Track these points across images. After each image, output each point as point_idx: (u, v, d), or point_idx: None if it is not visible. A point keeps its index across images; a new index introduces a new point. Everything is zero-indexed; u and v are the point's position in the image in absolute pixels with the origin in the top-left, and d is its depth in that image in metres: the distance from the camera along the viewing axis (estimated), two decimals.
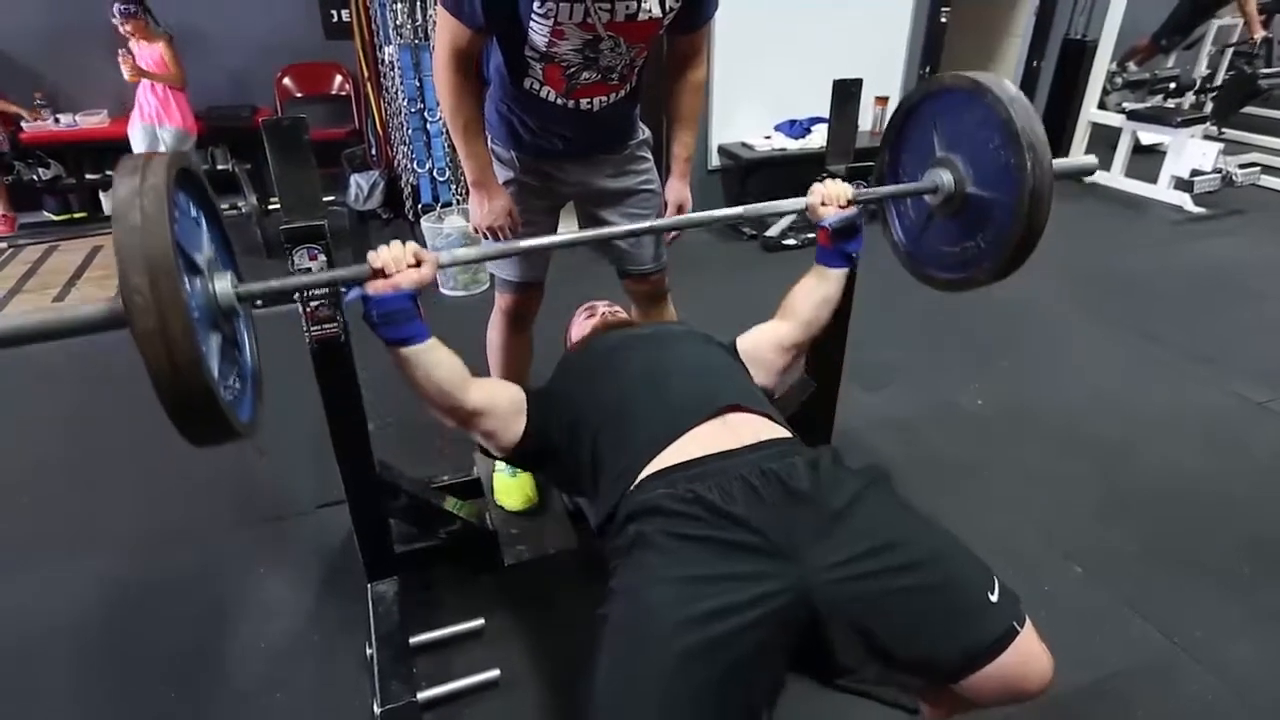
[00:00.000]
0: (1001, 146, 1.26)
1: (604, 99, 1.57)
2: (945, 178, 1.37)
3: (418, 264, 1.12)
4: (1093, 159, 1.42)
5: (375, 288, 1.10)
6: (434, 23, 3.12)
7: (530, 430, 1.28)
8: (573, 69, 1.48)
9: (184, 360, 0.81)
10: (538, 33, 1.40)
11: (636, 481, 1.12)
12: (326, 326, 1.30)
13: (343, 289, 1.13)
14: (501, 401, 1.27)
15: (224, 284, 1.00)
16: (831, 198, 1.37)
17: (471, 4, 1.36)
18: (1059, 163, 1.28)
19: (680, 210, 1.81)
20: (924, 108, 1.44)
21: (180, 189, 0.97)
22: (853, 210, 1.38)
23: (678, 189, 1.79)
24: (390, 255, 1.11)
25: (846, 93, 1.59)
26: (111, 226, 0.81)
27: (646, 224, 1.48)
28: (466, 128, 1.54)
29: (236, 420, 0.92)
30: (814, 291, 1.44)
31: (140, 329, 0.80)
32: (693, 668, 0.92)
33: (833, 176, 1.58)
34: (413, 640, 1.55)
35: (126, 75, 3.81)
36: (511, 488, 1.82)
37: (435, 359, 1.16)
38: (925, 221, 1.48)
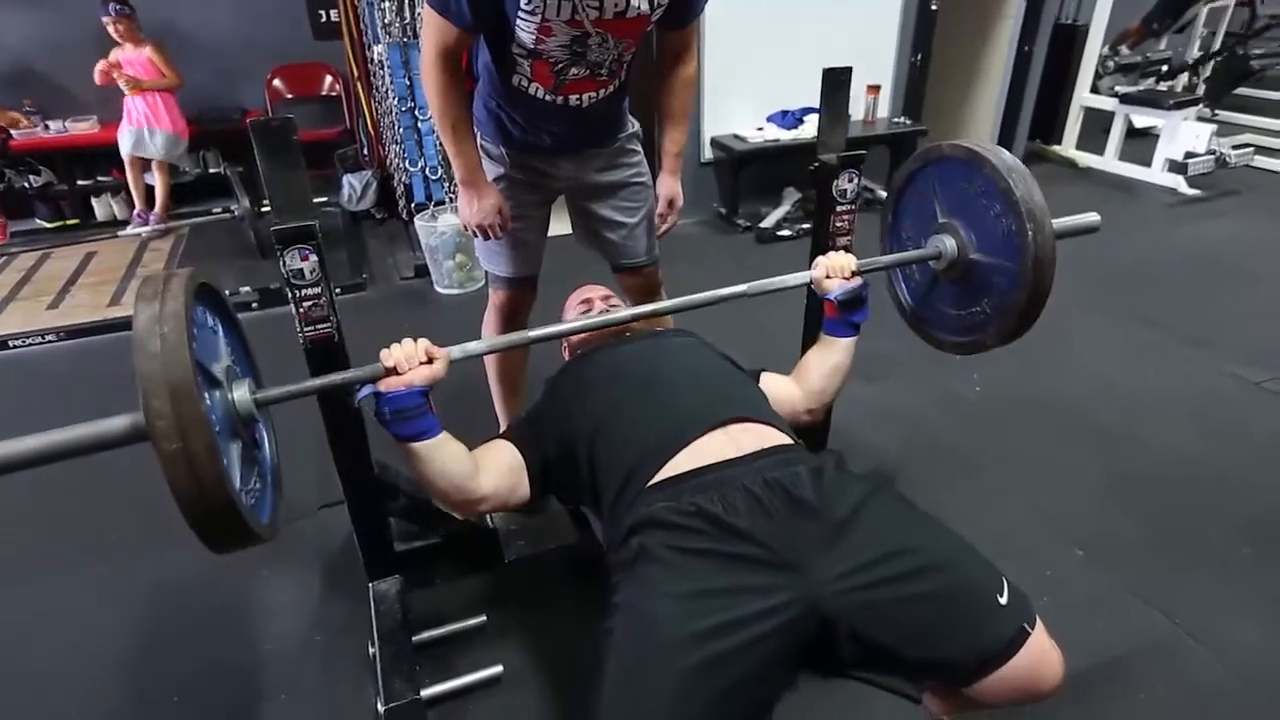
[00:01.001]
0: (1002, 215, 1.28)
1: (593, 95, 1.56)
2: (948, 244, 1.38)
3: (429, 360, 1.12)
4: (1094, 217, 1.42)
5: (388, 385, 1.11)
6: (422, 21, 3.12)
7: (533, 479, 1.29)
8: (561, 65, 1.47)
9: (207, 479, 0.84)
10: (525, 30, 1.39)
11: (639, 493, 1.12)
12: (320, 327, 1.29)
13: (356, 387, 1.13)
14: (504, 477, 1.26)
15: (242, 393, 1.02)
16: (836, 270, 1.38)
17: (459, 2, 1.35)
18: (1059, 223, 1.31)
19: (671, 205, 1.80)
20: (924, 174, 1.47)
21: (200, 303, 0.99)
22: (857, 282, 1.38)
23: (669, 185, 1.79)
24: (402, 353, 1.12)
25: (836, 81, 1.59)
26: (132, 352, 0.83)
27: (659, 305, 1.41)
28: (455, 127, 1.53)
29: (258, 525, 0.94)
30: (824, 362, 1.44)
31: (164, 451, 0.82)
32: (700, 684, 0.91)
33: (826, 171, 1.58)
34: (415, 638, 1.54)
35: (125, 89, 3.80)
36: None
37: (446, 454, 1.16)
38: (931, 284, 1.50)
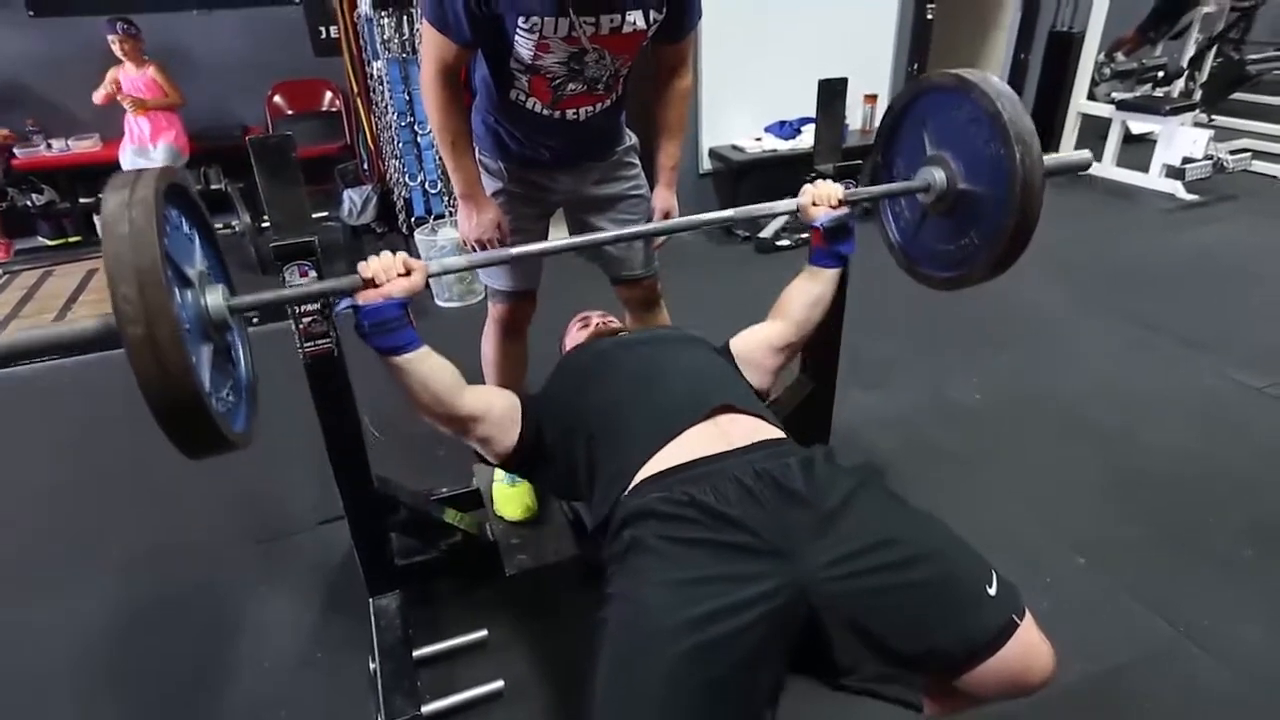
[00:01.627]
0: (990, 140, 1.27)
1: (590, 109, 1.57)
2: (937, 175, 1.37)
3: (407, 273, 1.13)
4: (1086, 154, 1.41)
5: (366, 297, 1.12)
6: (420, 36, 3.14)
7: (525, 436, 1.29)
8: (558, 80, 1.48)
9: (173, 367, 0.82)
10: (523, 46, 1.40)
11: (630, 486, 1.12)
12: (320, 342, 1.30)
13: (334, 300, 1.14)
14: (496, 407, 1.27)
15: (215, 297, 1.02)
16: (822, 198, 1.38)
17: (457, 19, 1.36)
18: (1052, 159, 1.29)
19: (666, 217, 1.81)
20: (913, 108, 1.45)
21: (172, 204, 0.99)
22: (844, 210, 1.39)
23: (664, 197, 1.80)
24: (380, 265, 1.12)
25: (832, 92, 1.60)
26: (101, 238, 0.83)
27: (634, 229, 1.48)
28: (454, 142, 1.55)
29: (230, 430, 0.93)
30: (807, 292, 1.45)
31: (129, 337, 0.81)
32: (692, 670, 0.92)
33: (822, 177, 1.59)
34: (416, 653, 1.54)
35: (130, 110, 3.83)
36: (511, 498, 1.82)
37: (428, 367, 1.17)
38: (920, 220, 1.49)
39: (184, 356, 0.83)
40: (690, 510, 1.03)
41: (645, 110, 1.76)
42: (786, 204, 1.41)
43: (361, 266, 1.12)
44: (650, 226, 1.53)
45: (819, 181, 1.42)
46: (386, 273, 1.12)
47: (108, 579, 1.88)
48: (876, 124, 4.81)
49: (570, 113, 1.56)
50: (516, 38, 1.39)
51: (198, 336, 0.97)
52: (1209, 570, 1.78)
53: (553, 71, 1.46)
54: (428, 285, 3.38)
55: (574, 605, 1.70)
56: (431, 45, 1.44)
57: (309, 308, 1.26)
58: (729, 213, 1.38)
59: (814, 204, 1.39)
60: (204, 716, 1.54)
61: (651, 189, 1.81)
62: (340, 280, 1.14)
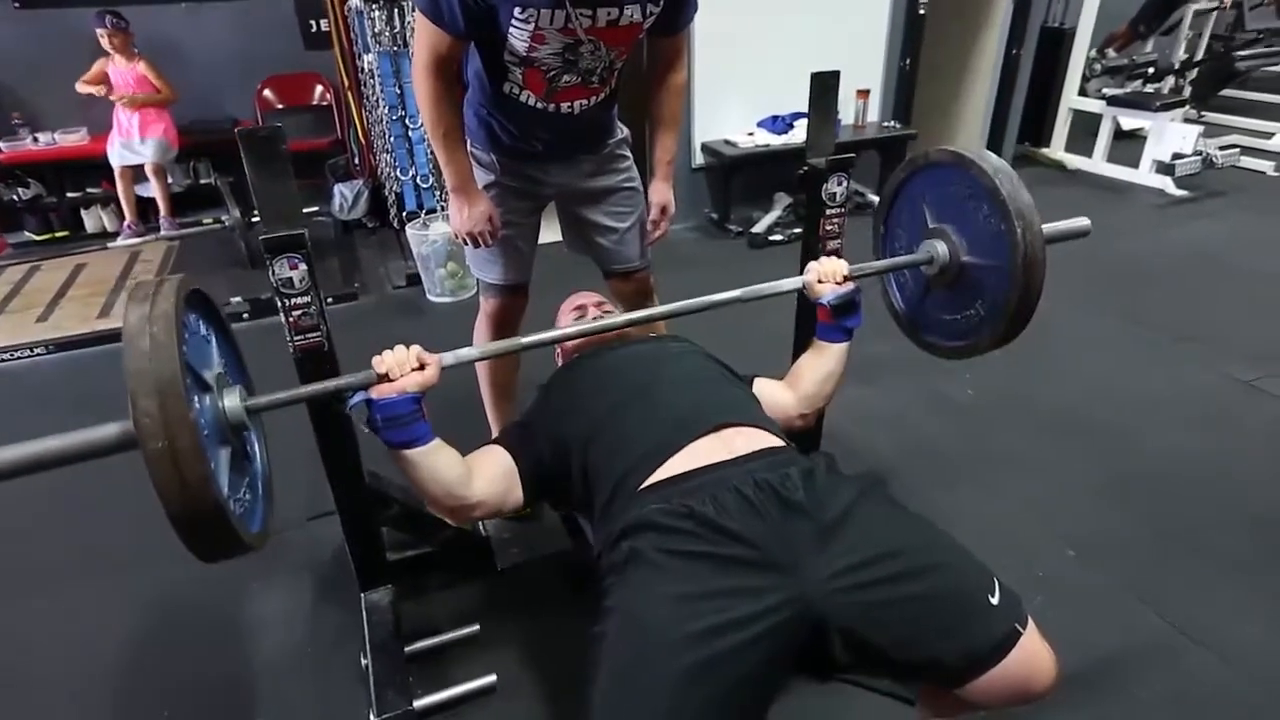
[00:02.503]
0: (991, 216, 1.29)
1: (584, 102, 1.56)
2: (940, 248, 1.39)
3: (421, 367, 1.12)
4: (1085, 221, 1.43)
5: (380, 392, 1.10)
6: (412, 29, 3.12)
7: (526, 485, 1.28)
8: (553, 72, 1.47)
9: (193, 479, 0.84)
10: (518, 38, 1.39)
11: (630, 496, 1.11)
12: (310, 335, 1.29)
13: (347, 394, 1.13)
14: (497, 483, 1.26)
15: (233, 399, 1.02)
16: (828, 275, 1.37)
17: (451, 10, 1.35)
18: (1050, 228, 1.32)
19: (664, 212, 1.80)
20: (913, 181, 1.47)
21: (192, 309, 1.00)
22: (850, 286, 1.38)
23: (661, 191, 1.79)
24: (394, 359, 1.11)
25: (825, 85, 1.59)
26: (123, 350, 0.83)
27: (654, 312, 1.42)
28: (447, 135, 1.54)
29: (247, 533, 0.94)
30: (818, 368, 1.43)
31: (149, 450, 0.82)
32: (693, 687, 0.91)
33: (815, 175, 1.59)
34: (408, 649, 1.54)
35: (124, 107, 3.81)
36: None
37: (438, 460, 1.16)
38: (924, 291, 1.51)
39: (204, 467, 0.84)
40: (689, 523, 1.02)
41: (639, 105, 1.76)
42: (792, 282, 1.40)
43: (375, 361, 1.11)
44: (655, 311, 1.45)
45: (824, 259, 1.41)
46: (400, 368, 1.11)
47: (100, 578, 1.87)
48: (869, 118, 4.80)
49: (564, 106, 1.55)
50: (511, 29, 1.38)
51: (215, 441, 0.98)
52: (1202, 564, 1.79)
53: (547, 64, 1.45)
54: (419, 280, 3.34)
55: (566, 600, 1.70)
56: (425, 37, 1.42)
57: (299, 300, 1.25)
58: (736, 293, 1.36)
59: (819, 281, 1.37)
60: (195, 713, 1.54)
61: (647, 183, 1.81)
62: (355, 376, 1.13)
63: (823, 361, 1.43)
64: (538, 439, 1.31)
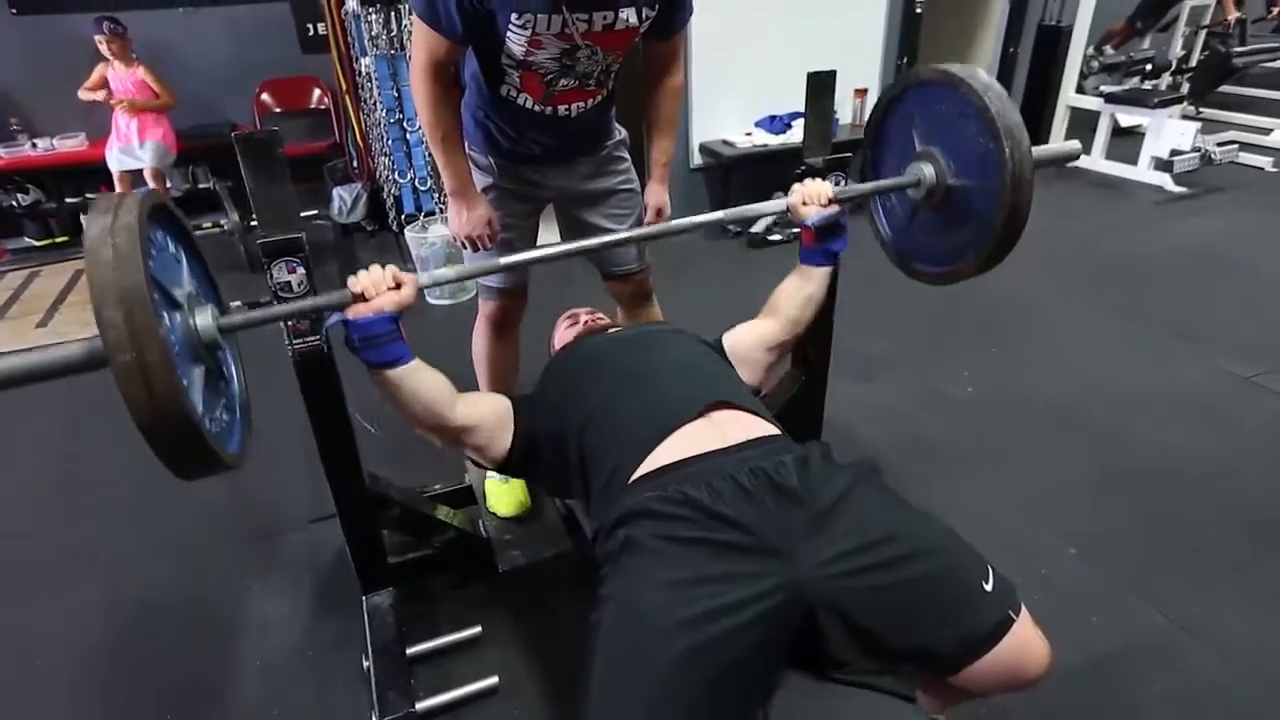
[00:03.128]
0: (979, 135, 1.26)
1: (581, 105, 1.57)
2: (927, 171, 1.37)
3: (397, 286, 1.12)
4: (1075, 144, 1.41)
5: (356, 311, 1.10)
6: (409, 32, 3.12)
7: (518, 441, 1.28)
8: (550, 76, 1.48)
9: (163, 391, 0.81)
10: (515, 43, 1.39)
11: (625, 485, 1.11)
12: (309, 339, 1.29)
13: (324, 314, 1.13)
14: (488, 416, 1.26)
15: (205, 318, 1.01)
16: (812, 197, 1.37)
17: (449, 15, 1.35)
18: (1041, 150, 1.29)
19: (660, 214, 1.81)
20: (900, 103, 1.45)
21: (158, 225, 0.98)
22: (835, 208, 1.38)
23: (657, 193, 1.80)
24: (370, 279, 1.11)
25: (821, 85, 1.59)
26: (85, 264, 0.81)
27: (625, 233, 1.46)
28: (445, 139, 1.54)
29: (223, 451, 0.92)
30: (799, 290, 1.44)
31: (117, 362, 0.80)
32: (688, 671, 0.91)
33: (812, 171, 1.59)
34: (409, 651, 1.54)
35: (124, 112, 3.82)
36: (504, 494, 1.82)
37: (419, 380, 1.16)
38: (911, 216, 1.49)
39: (174, 381, 0.82)
40: (685, 509, 1.02)
41: (636, 107, 1.76)
42: (777, 204, 1.41)
43: (351, 281, 1.11)
44: (640, 231, 1.51)
45: (808, 180, 1.41)
46: (376, 287, 1.11)
47: (100, 580, 1.87)
48: (866, 118, 4.82)
49: (562, 109, 1.55)
50: (509, 34, 1.38)
51: (188, 359, 0.97)
52: (1201, 561, 1.79)
53: (544, 67, 1.45)
54: (421, 293, 3.35)
55: (568, 600, 1.71)
56: (422, 41, 1.42)
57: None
58: (720, 214, 1.37)
59: (804, 203, 1.38)
60: (197, 716, 1.54)
61: (644, 185, 1.81)
62: (330, 295, 1.13)
63: (805, 285, 1.43)
64: (538, 419, 1.31)
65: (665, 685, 0.90)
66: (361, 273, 1.12)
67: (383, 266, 1.14)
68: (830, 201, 1.37)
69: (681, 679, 0.91)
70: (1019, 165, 1.21)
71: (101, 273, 0.80)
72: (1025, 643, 0.98)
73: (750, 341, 1.43)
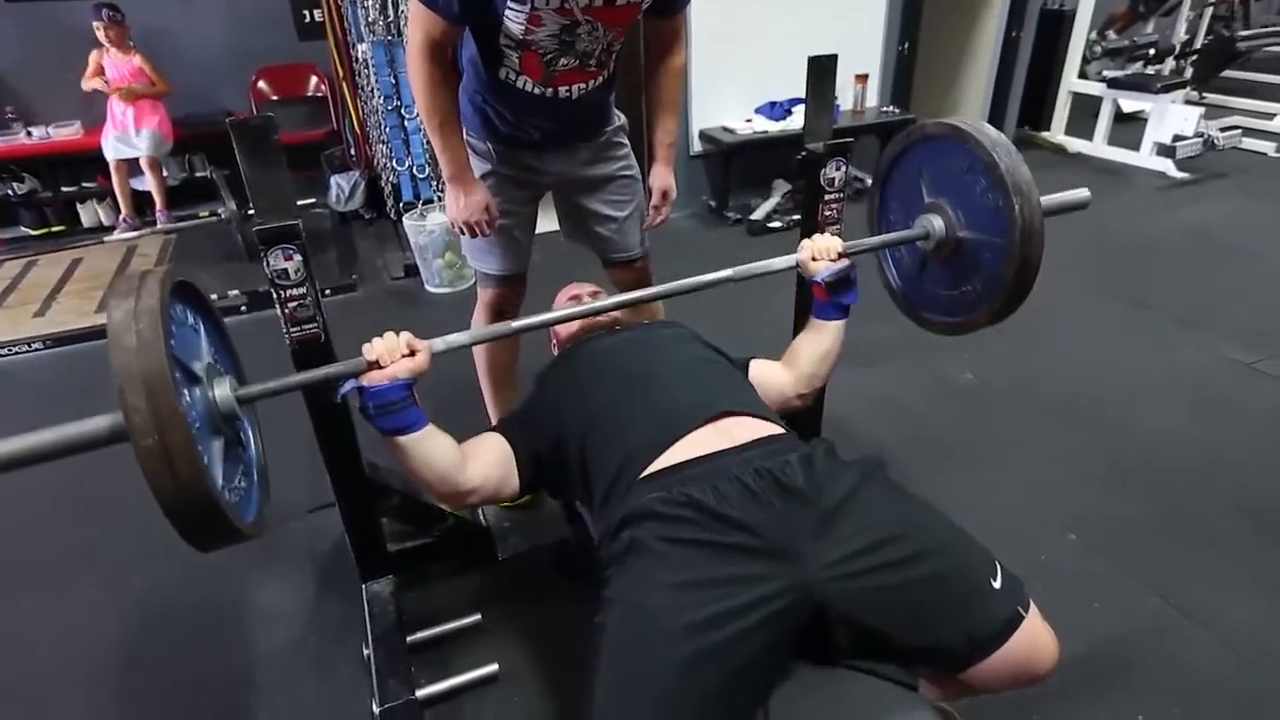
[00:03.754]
0: (989, 190, 1.26)
1: (582, 86, 1.55)
2: (936, 223, 1.37)
3: (412, 353, 1.11)
4: (1084, 192, 1.40)
5: (371, 379, 1.10)
6: (406, 18, 3.09)
7: (524, 471, 1.28)
8: (550, 56, 1.45)
9: (185, 473, 0.83)
10: (514, 20, 1.37)
11: (629, 487, 1.11)
12: (306, 327, 1.28)
13: (339, 382, 1.12)
14: (493, 469, 1.25)
15: (223, 390, 1.01)
16: (822, 252, 1.36)
17: None
18: (1049, 200, 1.29)
19: (665, 196, 1.79)
20: (909, 155, 1.45)
21: (179, 300, 0.99)
22: (845, 263, 1.36)
23: (662, 175, 1.78)
24: (384, 347, 1.11)
25: (822, 69, 1.58)
26: (109, 348, 0.82)
27: (637, 294, 1.38)
28: (443, 122, 1.52)
29: (242, 522, 0.93)
30: (815, 346, 1.42)
31: (141, 446, 0.81)
32: (695, 675, 0.90)
33: (813, 160, 1.57)
34: (409, 639, 1.54)
35: (121, 100, 3.80)
36: None
37: (431, 446, 1.15)
38: (920, 266, 1.49)
39: (196, 461, 0.83)
40: (690, 511, 1.02)
41: (637, 91, 1.74)
42: (785, 260, 1.39)
43: (366, 349, 1.11)
44: (649, 291, 1.40)
45: (817, 236, 1.39)
46: (391, 354, 1.10)
47: (101, 571, 1.87)
48: (868, 103, 4.77)
49: (562, 90, 1.53)
50: (507, 11, 1.36)
51: (207, 433, 0.97)
52: (1201, 546, 1.79)
53: (544, 47, 1.43)
54: (417, 271, 3.33)
55: (567, 588, 1.70)
56: (419, 22, 1.40)
57: (294, 291, 1.24)
58: (728, 272, 1.35)
59: (814, 259, 1.36)
60: (197, 705, 1.54)
61: (647, 169, 1.79)
62: (346, 364, 1.12)
63: (819, 340, 1.42)
64: (534, 429, 1.31)
65: (671, 688, 0.90)
66: (376, 340, 1.12)
67: (397, 334, 1.13)
68: (839, 256, 1.36)
69: (688, 682, 0.90)
70: (1029, 220, 1.21)
71: (125, 359, 0.82)
72: (1034, 639, 0.97)
73: (775, 387, 1.42)
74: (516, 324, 1.29)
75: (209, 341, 1.08)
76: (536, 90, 1.52)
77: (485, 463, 1.24)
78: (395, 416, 1.11)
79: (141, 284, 0.88)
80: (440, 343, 1.19)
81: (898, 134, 1.47)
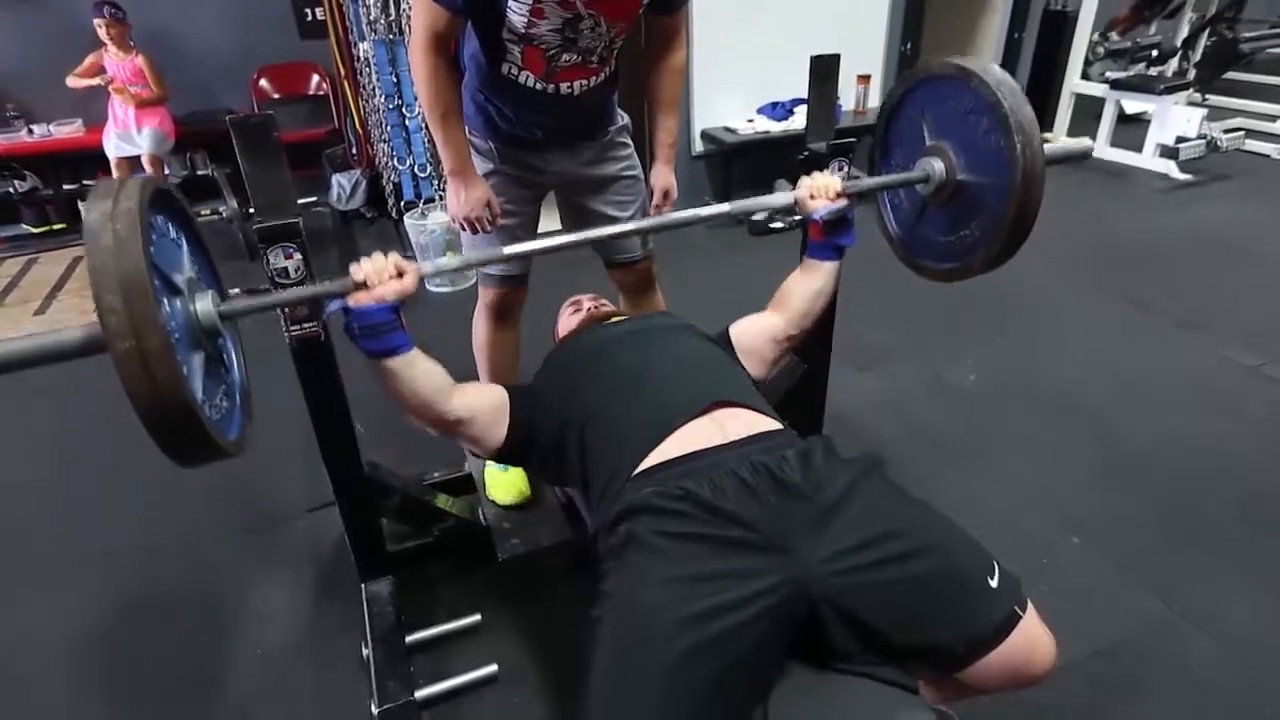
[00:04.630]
0: (991, 130, 1.25)
1: (584, 82, 1.54)
2: (936, 166, 1.35)
3: (399, 275, 1.10)
4: (1087, 142, 1.38)
5: (357, 300, 1.09)
6: (408, 17, 3.09)
7: (513, 432, 1.27)
8: (552, 51, 1.45)
9: (162, 378, 0.80)
10: (516, 12, 1.37)
11: (626, 481, 1.10)
12: (306, 325, 1.28)
13: (325, 301, 1.11)
14: (484, 407, 1.25)
15: (205, 303, 1.00)
16: (820, 190, 1.35)
17: None
18: (1052, 147, 1.28)
19: (667, 196, 1.78)
20: (911, 97, 1.43)
21: (158, 210, 0.97)
22: (843, 202, 1.35)
23: (663, 174, 1.77)
24: (372, 267, 1.10)
25: (824, 69, 1.57)
26: (85, 250, 0.80)
27: (629, 225, 1.44)
28: (445, 116, 1.51)
29: (222, 438, 0.91)
30: (807, 285, 1.41)
31: (117, 349, 0.79)
32: (691, 669, 0.90)
33: (815, 159, 1.57)
34: (409, 639, 1.54)
35: (121, 100, 3.79)
36: (503, 482, 1.81)
37: (417, 370, 1.15)
38: (919, 212, 1.47)
39: (174, 367, 0.81)
40: (686, 504, 1.01)
41: (638, 90, 1.74)
42: (784, 196, 1.38)
43: (353, 269, 1.10)
44: (645, 223, 1.48)
45: (816, 174, 1.38)
46: (379, 275, 1.09)
47: (99, 570, 1.87)
48: (870, 104, 4.76)
49: (564, 86, 1.52)
50: (510, 4, 1.36)
51: (188, 345, 0.96)
52: (1203, 549, 1.78)
53: (547, 41, 1.43)
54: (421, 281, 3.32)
55: (567, 589, 1.70)
56: (421, 14, 1.40)
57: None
58: (725, 206, 1.34)
59: (811, 196, 1.35)
60: (197, 705, 1.54)
61: (648, 167, 1.78)
62: (331, 283, 1.11)
63: (813, 279, 1.41)
64: (535, 401, 1.30)
65: (667, 683, 0.89)
66: (364, 260, 1.11)
67: (385, 255, 1.12)
68: (838, 195, 1.35)
69: (684, 676, 0.90)
70: (1030, 161, 1.19)
71: (101, 258, 0.79)
72: (1032, 639, 0.97)
73: (757, 334, 1.41)
74: (508, 250, 1.27)
75: (191, 257, 1.06)
76: (538, 86, 1.51)
77: (478, 399, 1.24)
78: (382, 339, 1.10)
79: (120, 188, 0.86)
80: (429, 265, 1.18)
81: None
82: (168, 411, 0.83)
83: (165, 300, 0.89)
